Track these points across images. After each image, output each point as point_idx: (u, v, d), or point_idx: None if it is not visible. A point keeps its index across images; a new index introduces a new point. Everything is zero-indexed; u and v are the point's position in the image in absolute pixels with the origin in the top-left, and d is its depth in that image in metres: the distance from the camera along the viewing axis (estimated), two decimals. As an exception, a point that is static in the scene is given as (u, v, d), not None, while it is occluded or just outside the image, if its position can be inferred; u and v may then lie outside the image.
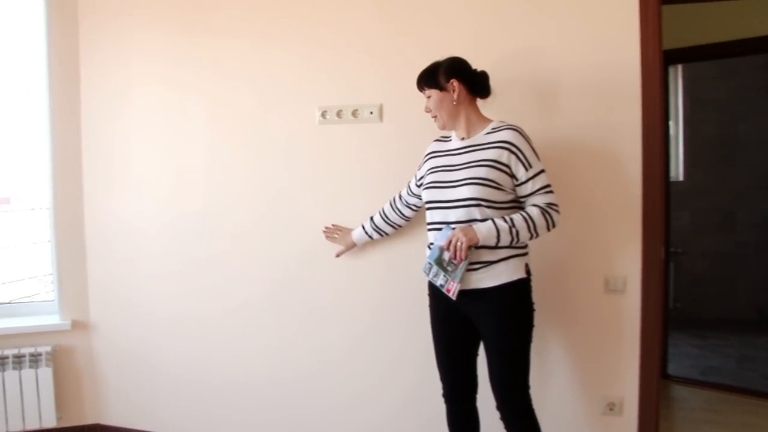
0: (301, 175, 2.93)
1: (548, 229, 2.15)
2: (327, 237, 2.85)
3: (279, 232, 2.98)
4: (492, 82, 2.31)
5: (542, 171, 2.17)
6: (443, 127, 2.30)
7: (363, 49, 2.81)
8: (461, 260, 2.07)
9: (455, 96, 2.23)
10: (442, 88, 2.25)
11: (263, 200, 3.00)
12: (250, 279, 3.04)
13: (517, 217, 2.10)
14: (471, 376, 2.34)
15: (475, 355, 2.33)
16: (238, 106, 3.01)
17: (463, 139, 2.27)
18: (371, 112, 2.81)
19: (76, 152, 3.24)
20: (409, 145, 2.71)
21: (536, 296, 2.27)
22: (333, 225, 2.85)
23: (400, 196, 2.62)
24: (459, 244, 2.05)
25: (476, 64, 2.31)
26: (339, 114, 2.85)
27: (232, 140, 3.03)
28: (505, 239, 2.08)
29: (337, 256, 2.83)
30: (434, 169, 2.28)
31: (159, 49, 3.13)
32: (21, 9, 3.39)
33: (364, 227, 2.73)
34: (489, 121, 2.27)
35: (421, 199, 2.46)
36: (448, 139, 2.37)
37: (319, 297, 2.94)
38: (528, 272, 2.21)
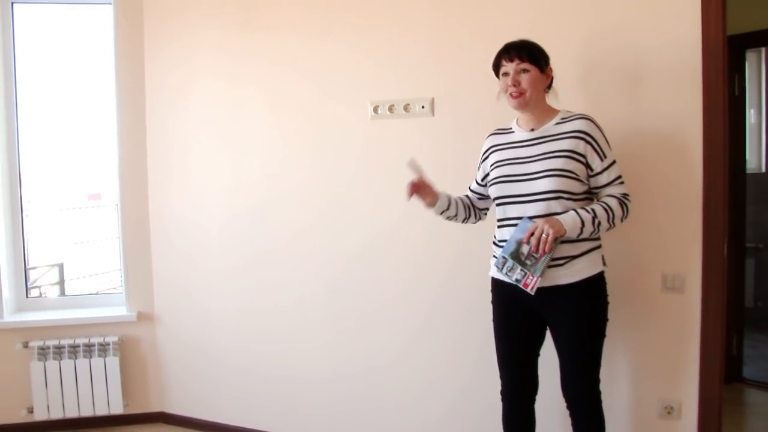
0: (356, 171, 2.94)
1: (622, 221, 2.09)
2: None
3: (336, 229, 3.00)
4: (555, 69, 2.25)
5: (614, 161, 2.10)
6: (525, 105, 2.13)
7: (414, 42, 2.79)
8: (544, 253, 1.98)
9: (547, 83, 2.17)
10: (541, 70, 2.14)
11: (319, 197, 3.03)
12: (309, 275, 3.08)
13: (597, 208, 2.03)
14: (533, 375, 2.28)
15: (538, 354, 2.27)
16: (294, 102, 3.05)
17: (532, 129, 2.17)
18: (423, 107, 2.78)
19: (141, 149, 3.38)
20: (462, 139, 2.69)
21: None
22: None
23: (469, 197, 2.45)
24: (545, 236, 1.95)
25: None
26: (391, 109, 2.84)
27: (288, 137, 3.08)
28: (588, 231, 2.01)
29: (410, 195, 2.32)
30: (501, 163, 2.19)
31: (218, 45, 3.21)
32: (91, 15, 3.58)
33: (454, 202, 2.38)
34: (555, 111, 2.18)
35: (487, 199, 2.36)
36: (508, 130, 2.27)
37: (376, 295, 2.94)
38: (604, 263, 2.17)
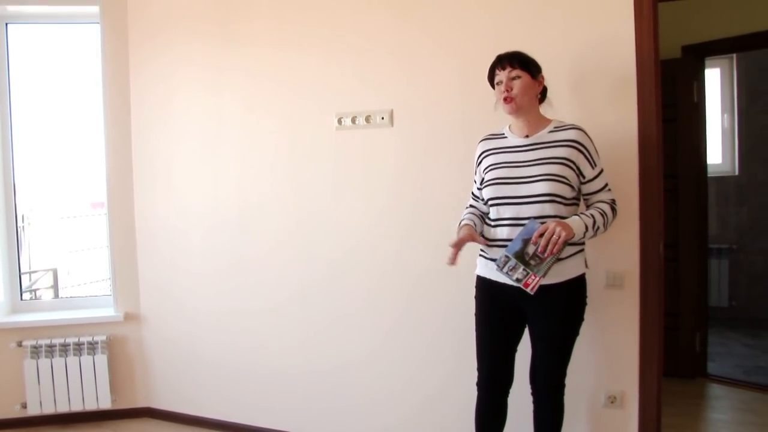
0: (325, 180, 3.12)
1: (610, 224, 2.25)
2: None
3: (309, 235, 3.17)
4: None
5: (602, 170, 2.27)
6: (516, 111, 2.26)
7: (376, 55, 2.97)
8: (551, 254, 2.06)
9: (539, 90, 2.31)
10: (533, 77, 2.27)
11: (291, 205, 3.21)
12: (285, 279, 3.25)
13: (596, 213, 2.18)
14: (510, 369, 2.41)
15: (515, 349, 2.41)
16: (267, 113, 3.24)
17: (526, 136, 2.30)
18: (382, 118, 2.96)
19: (127, 159, 3.59)
20: (419, 148, 2.88)
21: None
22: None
23: (476, 208, 2.48)
24: (555, 237, 2.04)
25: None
26: (354, 120, 3.02)
27: (261, 149, 3.27)
28: (589, 235, 2.17)
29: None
30: (495, 166, 2.30)
31: (198, 60, 3.40)
32: (81, 33, 3.80)
33: (474, 224, 2.39)
34: (548, 120, 2.33)
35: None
36: (500, 135, 2.38)
37: (349, 298, 3.11)
38: (586, 265, 2.33)
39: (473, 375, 2.43)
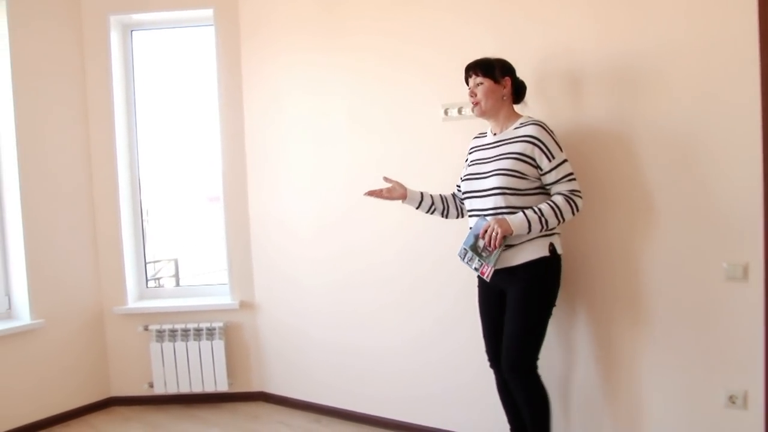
0: (430, 174, 3.12)
1: (573, 214, 2.39)
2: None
3: (415, 232, 3.21)
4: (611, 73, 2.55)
5: (565, 161, 2.39)
6: (482, 115, 2.52)
7: (480, 45, 2.89)
8: (495, 248, 2.33)
9: (505, 92, 2.49)
10: (496, 81, 2.47)
11: (398, 203, 3.24)
12: (392, 275, 3.31)
13: (544, 207, 2.34)
14: None
15: None
16: (372, 108, 3.31)
17: (495, 134, 2.52)
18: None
19: (241, 157, 3.79)
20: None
21: (654, 284, 2.49)
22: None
23: (454, 194, 2.82)
24: (494, 234, 2.31)
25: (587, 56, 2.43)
26: (460, 111, 3.03)
27: (367, 144, 3.35)
28: (536, 228, 2.33)
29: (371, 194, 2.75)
30: (470, 163, 2.58)
31: (305, 56, 3.53)
32: (197, 36, 4.03)
33: (431, 196, 2.77)
34: (518, 116, 2.50)
35: None
36: (485, 134, 2.61)
37: (447, 300, 3.14)
38: (552, 251, 2.41)
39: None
